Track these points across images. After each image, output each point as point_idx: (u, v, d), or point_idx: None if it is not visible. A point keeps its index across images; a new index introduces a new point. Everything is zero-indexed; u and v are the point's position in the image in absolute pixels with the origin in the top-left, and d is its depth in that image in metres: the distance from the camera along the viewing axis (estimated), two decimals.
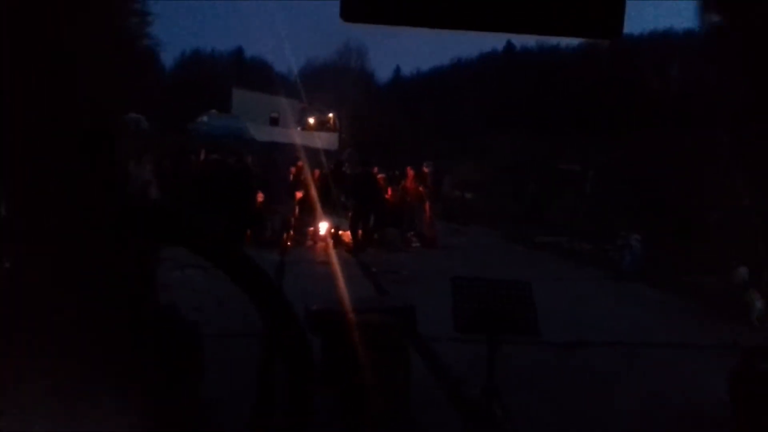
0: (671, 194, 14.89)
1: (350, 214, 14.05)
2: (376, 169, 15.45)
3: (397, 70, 57.41)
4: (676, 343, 7.57)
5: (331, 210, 14.16)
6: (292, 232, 14.04)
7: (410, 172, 16.18)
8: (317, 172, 15.70)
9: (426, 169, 16.09)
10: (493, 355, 4.13)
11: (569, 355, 6.82)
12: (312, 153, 18.80)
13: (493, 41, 55.63)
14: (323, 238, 13.87)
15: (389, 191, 15.47)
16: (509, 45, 50.77)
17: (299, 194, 14.76)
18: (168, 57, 62.87)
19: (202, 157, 16.89)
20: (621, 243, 12.60)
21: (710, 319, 8.74)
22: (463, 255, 13.81)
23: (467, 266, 11.81)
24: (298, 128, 42.34)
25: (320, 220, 13.97)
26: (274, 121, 44.19)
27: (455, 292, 4.13)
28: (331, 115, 45.73)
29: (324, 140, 37.31)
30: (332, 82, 44.55)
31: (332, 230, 14.02)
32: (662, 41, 38.60)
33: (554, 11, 1.86)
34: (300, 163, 15.91)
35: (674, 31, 42.93)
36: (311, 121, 45.51)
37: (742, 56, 9.71)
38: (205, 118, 36.89)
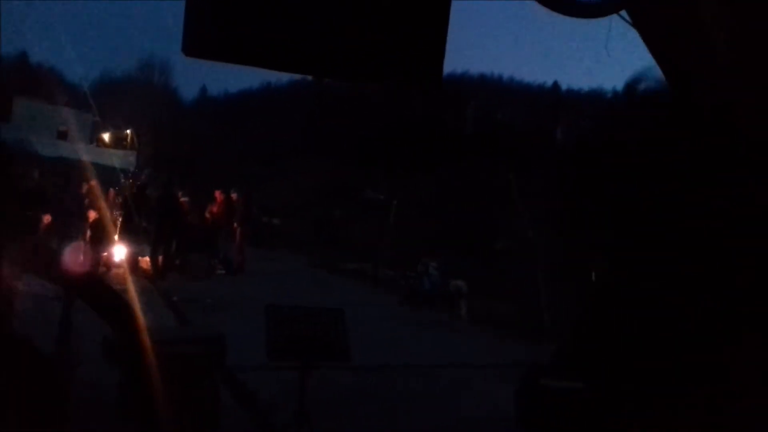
0: (466, 225, 16.16)
1: (151, 238, 13.24)
2: (180, 192, 14.78)
3: (204, 89, 55.61)
4: (470, 363, 8.17)
5: (131, 234, 13.22)
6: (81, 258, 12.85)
7: (218, 196, 15.72)
8: (112, 192, 14.60)
9: (234, 196, 15.77)
10: (304, 381, 4.13)
11: (375, 378, 7.03)
12: (107, 171, 17.48)
13: None
14: (119, 265, 12.87)
15: (194, 215, 14.87)
16: None
17: (92, 216, 13.58)
18: None
19: None
20: (420, 270, 13.34)
21: (500, 340, 9.56)
22: (270, 281, 13.65)
23: (274, 293, 11.68)
24: (91, 144, 39.18)
25: (115, 244, 12.96)
26: (63, 135, 40.39)
27: (268, 319, 4.07)
28: (128, 132, 42.96)
29: (120, 159, 34.92)
30: (132, 97, 41.91)
31: (130, 256, 13.08)
32: (464, 83, 42.03)
33: (375, 61, 1.97)
34: (92, 182, 14.67)
35: (470, 75, 47.08)
36: (106, 137, 42.37)
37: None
38: None
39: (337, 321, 4.27)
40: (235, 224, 15.08)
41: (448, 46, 2.12)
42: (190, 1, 1.78)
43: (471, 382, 7.29)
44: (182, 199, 14.70)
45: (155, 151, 39.77)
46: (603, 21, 2.77)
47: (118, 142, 42.61)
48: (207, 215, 15.37)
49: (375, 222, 17.82)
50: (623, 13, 2.53)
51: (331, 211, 21.93)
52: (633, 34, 2.54)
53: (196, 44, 1.81)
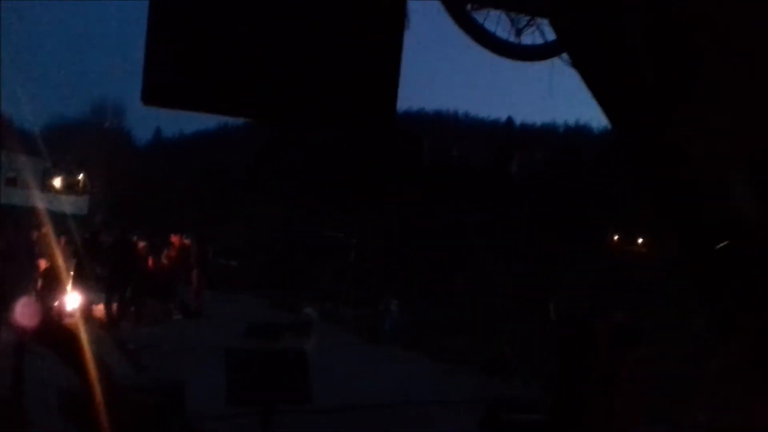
0: (426, 261, 16.27)
1: (105, 285, 12.92)
2: (135, 237, 14.53)
3: (158, 131, 55.00)
4: (434, 400, 8.14)
5: (84, 282, 12.86)
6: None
7: (174, 240, 15.49)
8: (64, 239, 14.22)
9: (187, 242, 15.57)
10: (266, 426, 4.07)
11: (339, 419, 6.95)
12: (58, 218, 17.05)
13: None
14: (71, 314, 12.48)
15: (150, 260, 14.59)
16: None
17: (43, 264, 13.19)
18: None
19: None
20: (381, 308, 13.34)
21: (461, 376, 9.57)
22: (229, 325, 13.40)
23: (234, 336, 11.50)
24: (42, 190, 38.19)
25: (68, 293, 12.58)
26: (12, 182, 39.30)
27: (228, 363, 4.02)
28: (81, 176, 42.08)
29: (72, 204, 34.09)
30: (84, 141, 41.16)
31: (83, 304, 12.70)
32: (419, 120, 42.62)
33: (330, 106, 2.05)
34: (44, 229, 14.30)
35: (426, 111, 47.78)
36: (57, 182, 41.40)
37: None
38: None
39: (299, 362, 4.25)
40: (192, 268, 14.86)
41: (403, 83, 2.21)
42: (150, 52, 1.83)
43: (435, 420, 7.27)
44: (140, 244, 14.44)
45: (109, 195, 39.04)
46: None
47: (70, 187, 41.59)
48: (164, 260, 15.11)
49: (335, 261, 17.80)
50: (565, 55, 2.68)
51: (289, 252, 21.81)
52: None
53: (156, 93, 1.85)
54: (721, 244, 2.26)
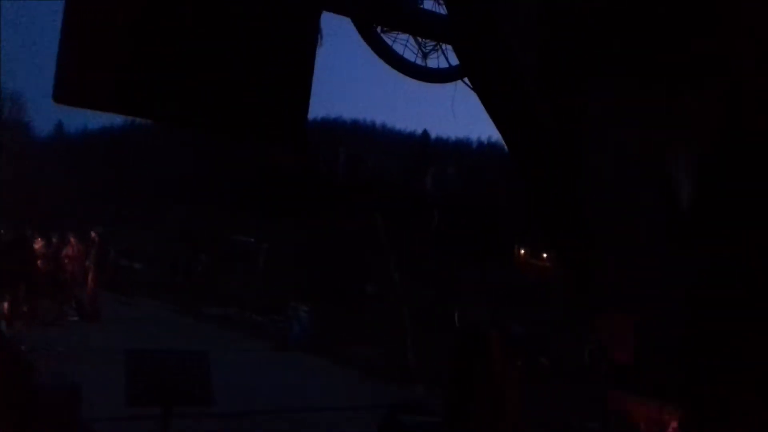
0: (336, 269, 16.36)
1: None
2: (32, 234, 13.81)
3: (60, 125, 52.32)
4: (336, 407, 8.24)
5: None
6: None
7: (72, 238, 14.84)
8: None
9: (94, 235, 14.91)
10: (165, 428, 4.04)
11: (240, 423, 6.92)
12: None
13: None
14: None
15: (46, 259, 13.90)
16: None
17: None
18: None
19: None
20: (290, 314, 13.29)
21: (369, 383, 9.73)
22: (128, 328, 12.97)
23: (132, 340, 11.11)
24: None
25: None
26: None
27: (128, 364, 3.97)
28: None
29: None
30: None
31: None
32: (336, 128, 42.71)
33: (240, 119, 2.13)
34: None
35: (343, 120, 47.94)
36: None
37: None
38: None
39: (201, 364, 4.24)
40: (90, 268, 14.28)
41: (322, 90, 2.32)
42: (63, 50, 1.84)
43: (336, 426, 7.36)
44: (37, 242, 13.74)
45: (5, 189, 36.68)
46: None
47: None
48: (61, 259, 14.45)
49: (244, 266, 17.58)
50: (467, 79, 2.88)
51: (196, 255, 21.34)
52: None
53: (68, 92, 1.86)
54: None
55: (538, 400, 6.62)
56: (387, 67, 2.86)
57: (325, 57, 2.51)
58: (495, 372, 2.91)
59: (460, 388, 2.96)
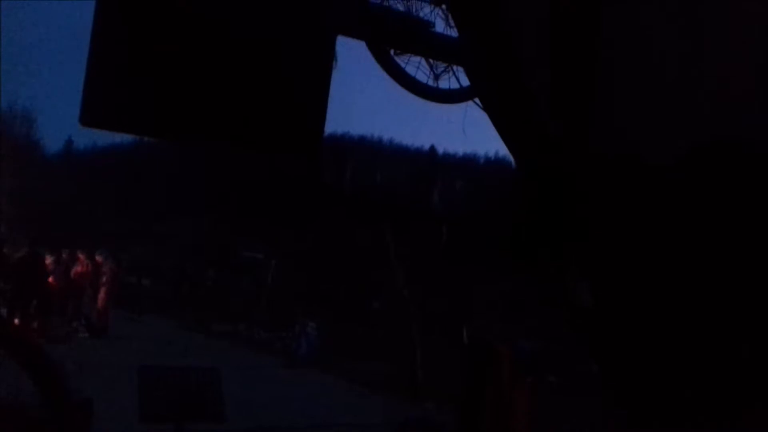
0: (345, 285, 16.37)
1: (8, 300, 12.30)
2: (44, 251, 13.91)
3: (69, 141, 52.66)
4: (345, 423, 8.22)
5: None
6: None
7: (81, 256, 14.93)
8: None
9: (99, 259, 15.03)
10: None
11: None
12: None
13: None
14: None
15: (57, 276, 13.99)
16: None
17: None
18: None
19: None
20: (298, 331, 13.28)
21: (374, 400, 9.70)
22: (137, 345, 12.99)
23: (141, 356, 11.17)
24: None
25: None
26: None
27: (141, 380, 4.01)
28: None
29: None
30: None
31: None
32: (344, 143, 42.76)
33: (257, 131, 2.19)
34: None
35: (350, 135, 48.00)
36: None
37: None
38: None
39: (212, 381, 4.27)
40: (100, 286, 14.37)
41: (330, 107, 2.39)
42: (91, 74, 1.89)
43: None
44: (47, 259, 13.84)
45: (15, 205, 36.94)
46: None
47: None
48: (71, 276, 14.54)
49: (251, 282, 17.61)
50: (478, 99, 2.93)
51: (204, 271, 21.40)
52: None
53: (95, 115, 1.91)
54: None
55: (546, 418, 6.59)
56: (393, 83, 2.92)
57: (333, 74, 2.58)
58: (505, 388, 2.93)
59: (470, 403, 2.98)
